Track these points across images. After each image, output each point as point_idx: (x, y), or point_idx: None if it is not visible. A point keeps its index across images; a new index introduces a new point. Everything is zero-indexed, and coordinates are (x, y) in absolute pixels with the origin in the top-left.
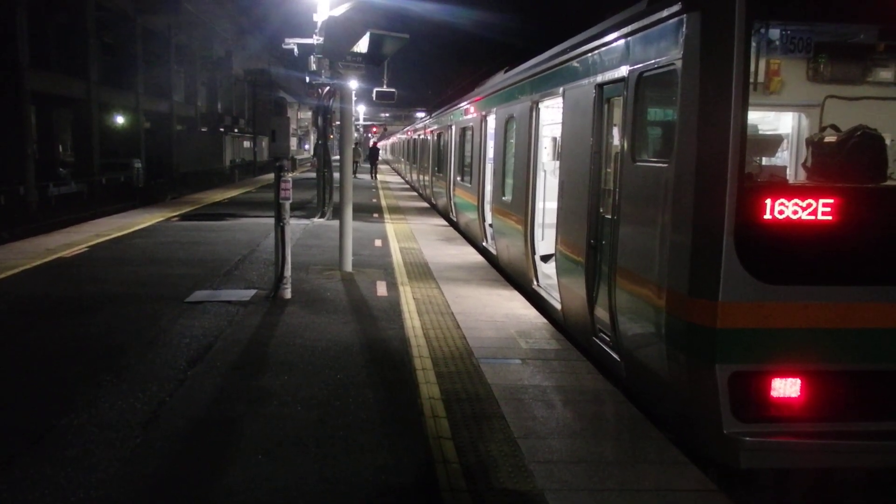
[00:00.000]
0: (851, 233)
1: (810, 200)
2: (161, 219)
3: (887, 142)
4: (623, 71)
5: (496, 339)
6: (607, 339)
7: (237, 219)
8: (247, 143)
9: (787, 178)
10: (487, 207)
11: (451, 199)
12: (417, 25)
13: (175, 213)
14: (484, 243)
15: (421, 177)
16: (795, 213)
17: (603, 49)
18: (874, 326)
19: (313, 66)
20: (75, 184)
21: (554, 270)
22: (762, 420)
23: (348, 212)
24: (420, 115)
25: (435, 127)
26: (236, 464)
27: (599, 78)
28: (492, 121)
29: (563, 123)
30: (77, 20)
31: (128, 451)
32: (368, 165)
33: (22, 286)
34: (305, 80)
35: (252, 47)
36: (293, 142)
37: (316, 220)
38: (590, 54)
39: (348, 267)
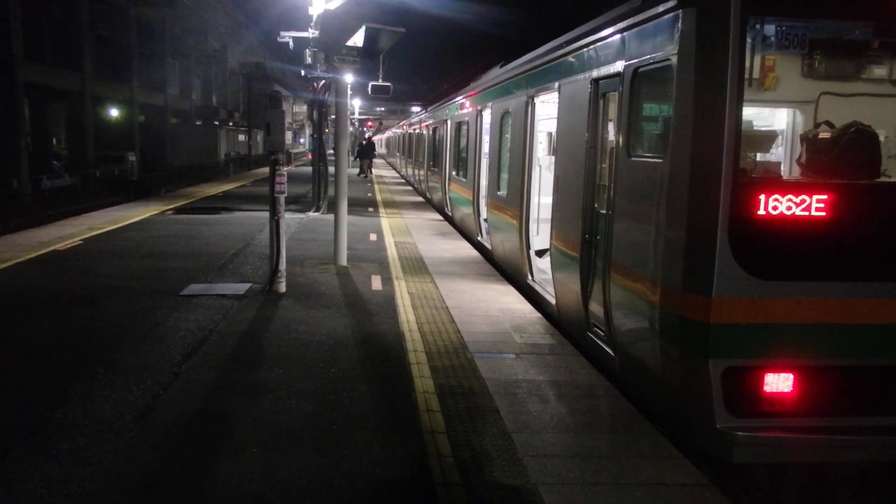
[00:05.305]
0: (845, 229)
1: (804, 196)
2: (155, 212)
3: (881, 138)
4: (619, 66)
5: (491, 334)
6: (601, 333)
7: (232, 212)
8: (241, 137)
9: (782, 174)
10: (482, 202)
11: (446, 194)
12: (413, 19)
13: (169, 207)
14: (479, 238)
15: (416, 171)
16: (789, 208)
17: (599, 44)
18: (867, 322)
19: (309, 60)
20: (69, 177)
21: (549, 265)
22: (755, 415)
23: (343, 206)
24: (415, 109)
25: (430, 121)
26: (231, 457)
27: (595, 73)
28: (487, 115)
29: (559, 118)
30: (71, 12)
31: (122, 444)
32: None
33: (15, 279)
34: (301, 73)
35: (247, 41)
36: (288, 135)
37: (311, 214)
38: (585, 49)
39: (343, 261)
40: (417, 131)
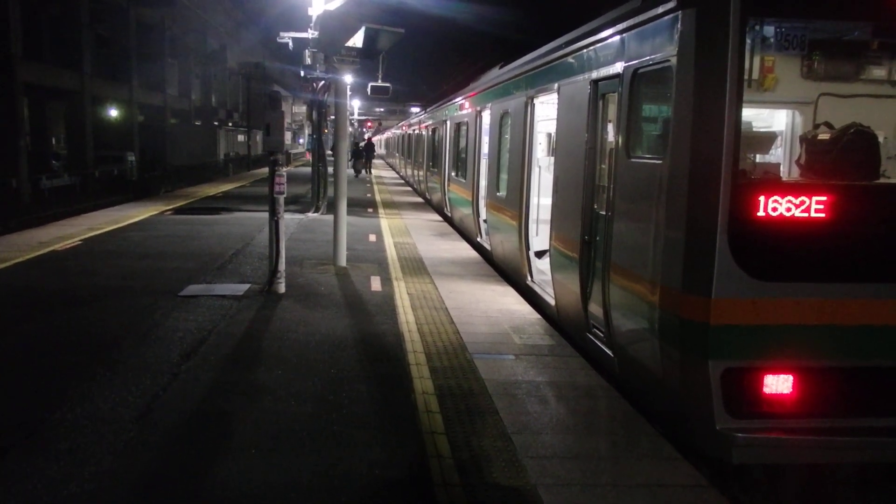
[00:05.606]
0: (844, 230)
1: (803, 197)
2: (155, 212)
3: (880, 139)
4: (618, 67)
5: (490, 335)
6: (601, 334)
7: (231, 213)
8: (241, 137)
9: (781, 175)
10: (482, 203)
11: (445, 195)
12: (413, 19)
13: (169, 207)
14: (478, 239)
15: (415, 172)
16: (789, 210)
17: (598, 45)
18: (866, 323)
19: (308, 61)
20: (68, 176)
21: (548, 266)
22: (755, 416)
23: (343, 206)
24: (415, 109)
25: (430, 122)
26: (229, 458)
27: (594, 74)
28: (487, 116)
29: (558, 119)
30: (70, 11)
31: (121, 444)
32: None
33: (15, 279)
34: (300, 74)
35: (247, 41)
36: (287, 136)
37: (310, 214)
38: (585, 50)
39: (342, 261)
40: (417, 132)
